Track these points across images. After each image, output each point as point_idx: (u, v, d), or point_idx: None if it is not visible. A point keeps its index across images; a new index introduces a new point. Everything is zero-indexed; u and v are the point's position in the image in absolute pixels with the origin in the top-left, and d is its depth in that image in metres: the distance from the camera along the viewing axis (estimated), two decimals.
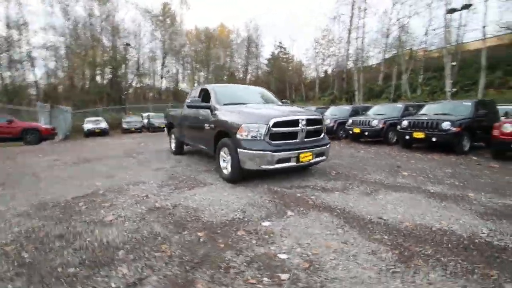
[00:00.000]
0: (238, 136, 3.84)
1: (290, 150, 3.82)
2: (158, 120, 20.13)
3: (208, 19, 65.98)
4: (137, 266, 1.90)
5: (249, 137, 3.77)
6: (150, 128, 19.76)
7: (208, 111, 4.84)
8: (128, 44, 24.17)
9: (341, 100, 28.32)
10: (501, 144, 5.60)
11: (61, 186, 4.15)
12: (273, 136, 3.80)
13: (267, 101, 5.39)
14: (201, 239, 2.32)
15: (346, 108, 12.26)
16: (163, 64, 36.64)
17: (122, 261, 1.98)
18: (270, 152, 3.67)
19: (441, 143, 6.76)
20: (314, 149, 4.08)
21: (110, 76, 30.94)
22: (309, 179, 4.28)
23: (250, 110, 4.22)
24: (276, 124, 3.78)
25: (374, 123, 8.78)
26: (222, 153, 4.34)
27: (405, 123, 7.54)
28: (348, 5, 27.93)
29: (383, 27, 26.74)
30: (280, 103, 5.43)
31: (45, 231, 2.51)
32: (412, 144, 7.97)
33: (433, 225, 2.55)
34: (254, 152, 3.67)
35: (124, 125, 19.52)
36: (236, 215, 2.84)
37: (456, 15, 19.69)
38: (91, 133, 17.15)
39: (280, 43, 45.52)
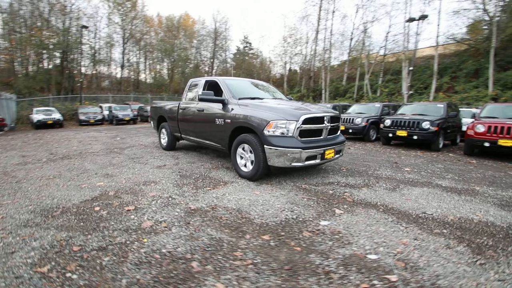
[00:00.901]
0: (265, 132, 3.68)
1: (317, 147, 3.79)
2: (122, 112, 18.56)
3: (173, 7, 62.29)
4: (230, 279, 1.68)
5: (277, 134, 3.64)
6: (114, 120, 18.06)
7: (220, 105, 4.56)
8: (84, 27, 21.41)
9: (308, 98, 29.45)
10: (475, 142, 6.37)
11: (54, 188, 3.52)
12: (301, 133, 3.73)
13: (275, 96, 5.27)
14: (271, 243, 2.16)
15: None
16: (123, 53, 33.64)
17: (205, 274, 1.73)
18: (301, 149, 3.60)
19: (421, 141, 7.43)
20: (335, 146, 4.11)
21: (60, 61, 27.29)
22: (327, 176, 4.32)
23: (274, 105, 4.07)
24: (306, 121, 3.71)
25: (358, 121, 9.27)
26: (240, 149, 4.13)
27: (388, 122, 8.10)
28: (315, 6, 29.01)
29: (347, 31, 28.40)
30: (286, 99, 5.37)
31: (78, 244, 2.09)
32: (391, 142, 8.64)
33: (471, 217, 2.76)
34: (284, 149, 3.55)
35: (82, 117, 17.47)
36: (287, 215, 2.72)
37: (413, 24, 21.69)
38: (42, 125, 15.00)
39: (246, 37, 45.34)
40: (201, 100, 4.56)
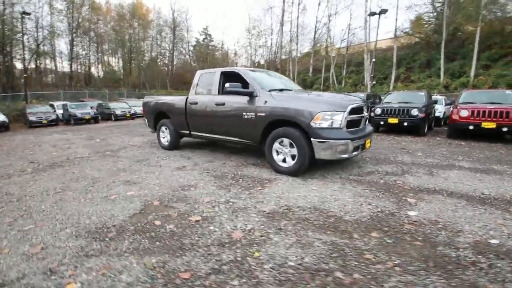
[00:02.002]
0: (312, 124, 3.51)
1: (360, 137, 3.76)
2: (81, 110, 16.54)
3: None
4: (396, 286, 1.52)
5: (325, 126, 3.50)
6: (71, 120, 15.99)
7: (245, 98, 4.24)
8: (26, 13, 18.15)
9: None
10: (460, 126, 7.04)
11: (76, 203, 2.90)
12: (347, 124, 3.64)
13: (291, 87, 5.09)
14: (387, 240, 2.04)
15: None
16: (72, 44, 29.80)
17: (364, 284, 1.55)
18: (349, 141, 3.52)
19: (410, 127, 7.99)
20: (371, 136, 4.14)
21: None
22: (358, 166, 4.34)
23: (314, 97, 3.92)
24: (351, 111, 3.63)
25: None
26: (277, 144, 3.91)
27: (378, 110, 8.52)
28: None
29: (311, 23, 29.20)
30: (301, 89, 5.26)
31: (182, 270, 1.71)
32: (379, 129, 9.12)
33: None
34: (334, 141, 3.44)
35: (31, 117, 15.09)
36: (369, 208, 2.62)
37: (373, 18, 23.11)
38: None
39: (205, 29, 43.64)
40: (229, 92, 4.18)
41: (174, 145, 5.84)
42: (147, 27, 41.02)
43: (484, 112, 6.64)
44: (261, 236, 2.12)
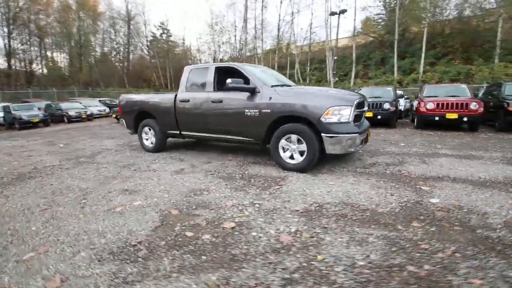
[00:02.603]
0: (322, 120, 3.50)
1: (364, 131, 3.87)
2: (27, 112, 14.49)
3: None
4: (468, 273, 1.56)
5: (335, 121, 3.52)
6: (16, 123, 13.91)
7: (247, 94, 4.07)
8: None
9: None
10: (427, 117, 7.74)
11: (76, 221, 2.47)
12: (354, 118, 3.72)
13: (287, 82, 5.04)
14: (430, 228, 2.10)
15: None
16: (9, 38, 25.81)
17: (435, 275, 1.56)
18: (358, 135, 3.60)
19: (383, 120, 8.56)
20: (369, 129, 4.29)
21: None
22: (358, 159, 4.49)
23: (319, 92, 3.90)
24: (357, 106, 3.71)
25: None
26: (283, 141, 3.84)
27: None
28: None
29: (274, 21, 29.56)
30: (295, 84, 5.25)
31: (251, 284, 1.54)
32: None
33: (509, 175, 3.37)
34: (344, 135, 3.48)
35: None
36: (395, 199, 2.70)
37: (333, 17, 24.25)
38: None
39: (163, 24, 41.20)
40: (231, 89, 3.95)
41: (160, 147, 5.40)
42: (97, 19, 37.46)
43: (447, 104, 7.39)
44: (311, 237, 2.03)
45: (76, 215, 2.60)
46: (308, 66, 28.17)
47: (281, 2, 29.37)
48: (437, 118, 7.52)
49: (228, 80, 3.91)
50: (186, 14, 56.37)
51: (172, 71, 34.00)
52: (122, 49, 41.20)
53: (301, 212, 2.47)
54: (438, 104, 7.52)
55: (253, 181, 3.44)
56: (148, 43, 40.89)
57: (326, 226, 2.20)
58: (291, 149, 3.83)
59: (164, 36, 40.96)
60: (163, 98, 5.12)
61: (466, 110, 7.20)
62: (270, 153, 4.06)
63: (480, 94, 9.53)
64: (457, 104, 7.29)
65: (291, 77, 28.65)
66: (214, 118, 4.43)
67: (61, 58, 35.78)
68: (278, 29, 29.88)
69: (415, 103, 9.68)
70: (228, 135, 4.41)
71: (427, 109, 7.70)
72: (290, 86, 4.45)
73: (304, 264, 1.70)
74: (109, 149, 6.06)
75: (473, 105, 7.16)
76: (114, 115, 15.63)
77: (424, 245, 1.88)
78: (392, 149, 5.17)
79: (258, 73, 4.27)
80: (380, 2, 26.33)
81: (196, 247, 1.96)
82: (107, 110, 20.00)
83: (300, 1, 37.60)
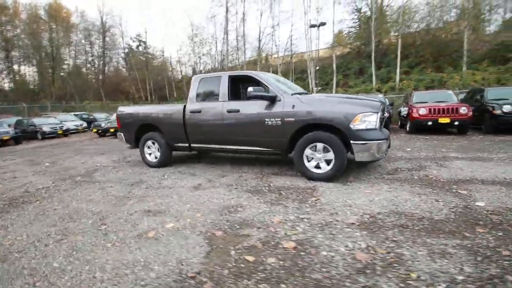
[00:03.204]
0: (351, 127, 3.43)
1: (388, 137, 3.84)
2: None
3: None
4: None
5: (363, 127, 3.45)
6: None
7: (265, 103, 3.92)
8: None
9: None
10: (420, 122, 8.05)
11: (105, 250, 2.12)
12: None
13: (301, 90, 4.93)
14: (498, 233, 2.04)
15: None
16: None
17: None
18: (385, 141, 3.56)
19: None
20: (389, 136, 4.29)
21: None
22: (378, 165, 4.46)
23: (343, 99, 3.83)
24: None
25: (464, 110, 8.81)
26: (308, 150, 3.70)
27: None
28: (222, 6, 29.27)
29: (256, 33, 30.11)
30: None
31: None
32: None
33: None
34: (374, 142, 3.42)
35: None
36: (445, 206, 2.63)
37: (312, 29, 25.16)
38: None
39: (138, 35, 40.13)
40: (254, 97, 3.77)
41: (165, 162, 5.04)
42: (70, 30, 35.87)
43: (439, 109, 7.74)
44: (388, 253, 1.87)
45: (102, 244, 2.24)
46: (290, 76, 28.75)
47: (261, 15, 30.07)
48: (430, 123, 7.84)
49: (250, 89, 3.74)
50: (166, 26, 55.67)
51: (152, 83, 33.13)
52: (97, 62, 39.67)
53: (358, 225, 2.31)
54: (430, 110, 7.86)
55: (284, 194, 3.24)
56: (125, 56, 39.73)
57: (394, 239, 2.05)
58: (316, 158, 3.70)
59: (140, 48, 40.02)
60: (170, 109, 4.81)
61: (457, 115, 7.57)
62: (286, 163, 3.90)
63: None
64: (448, 109, 7.66)
65: None
66: (230, 129, 4.20)
67: (30, 72, 33.57)
68: (259, 41, 30.41)
69: (403, 109, 10.12)
70: (246, 146, 4.20)
71: (420, 114, 8.01)
72: (308, 93, 4.37)
73: (402, 285, 1.53)
74: (105, 166, 5.57)
75: (462, 110, 7.56)
76: (94, 130, 14.74)
77: (504, 252, 1.79)
78: (402, 155, 5.22)
79: (274, 81, 4.15)
80: (355, 15, 27.89)
81: (267, 274, 1.72)
82: (84, 125, 18.91)
83: (280, 13, 39.01)
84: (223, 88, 4.32)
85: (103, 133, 14.63)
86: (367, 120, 3.46)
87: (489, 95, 8.15)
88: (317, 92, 23.05)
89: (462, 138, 7.07)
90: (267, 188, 3.52)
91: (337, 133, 3.55)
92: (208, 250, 2.04)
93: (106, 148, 8.94)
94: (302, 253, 1.93)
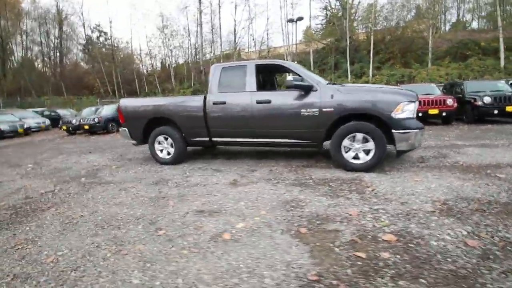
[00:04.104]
0: (393, 116, 3.43)
1: (423, 127, 3.90)
2: None
3: None
4: None
5: (404, 116, 3.48)
6: None
7: (297, 93, 3.77)
8: None
9: (203, 93, 28.72)
10: None
11: (184, 259, 1.83)
12: None
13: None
14: None
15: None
16: None
17: None
18: (423, 129, 3.62)
19: None
20: None
21: None
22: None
23: (379, 88, 3.82)
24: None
25: None
26: (346, 140, 3.65)
27: None
28: None
29: (231, 26, 29.49)
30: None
31: None
32: None
33: None
34: (415, 131, 3.46)
35: None
36: (494, 190, 2.73)
37: (288, 23, 25.31)
38: None
39: (98, 25, 36.68)
40: (293, 87, 3.59)
41: (180, 158, 4.66)
42: (20, 18, 31.82)
43: (429, 101, 8.24)
44: (492, 237, 1.87)
45: (176, 252, 1.94)
46: None
47: (235, 8, 29.46)
48: (420, 114, 8.29)
49: (289, 78, 3.56)
50: (132, 15, 51.96)
51: (120, 77, 30.87)
52: (53, 53, 35.78)
53: (439, 213, 2.29)
54: (420, 102, 8.31)
55: (334, 186, 3.14)
56: (84, 47, 36.21)
57: (485, 223, 2.06)
58: (355, 148, 3.65)
59: (101, 39, 36.77)
60: (187, 101, 4.43)
61: (444, 106, 8.13)
62: (309, 155, 3.82)
63: None
64: (436, 100, 8.19)
65: None
66: (261, 121, 3.98)
67: None
68: (235, 34, 29.86)
69: None
70: (277, 138, 4.02)
71: None
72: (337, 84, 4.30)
73: None
74: (107, 166, 4.99)
75: (449, 101, 8.13)
76: (64, 128, 13.29)
77: None
78: None
79: (306, 71, 4.01)
80: (327, 11, 28.65)
81: (395, 269, 1.60)
82: (48, 122, 17.02)
83: (255, 7, 38.86)
84: (251, 78, 4.07)
85: (73, 130, 13.28)
86: (407, 109, 3.49)
87: (468, 88, 8.87)
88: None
89: (450, 128, 7.61)
90: (310, 181, 3.39)
91: (375, 123, 3.54)
92: (308, 249, 1.87)
93: (89, 146, 8.09)
94: (410, 245, 1.85)
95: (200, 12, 27.95)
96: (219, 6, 27.11)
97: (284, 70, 3.98)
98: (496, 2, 19.09)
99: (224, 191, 3.19)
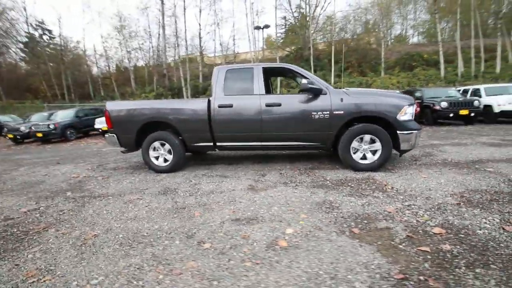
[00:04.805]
0: (398, 118, 3.68)
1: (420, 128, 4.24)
2: None
3: None
4: None
5: (406, 118, 3.75)
6: None
7: (307, 96, 3.83)
8: None
9: (168, 97, 27.51)
10: None
11: (253, 274, 1.68)
12: None
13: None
14: None
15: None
16: None
17: None
18: (421, 130, 3.93)
19: None
20: None
21: None
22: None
23: (380, 92, 4.04)
24: None
25: None
26: (355, 142, 3.80)
27: None
28: None
29: (195, 29, 28.88)
30: None
31: None
32: None
33: (495, 156, 4.43)
34: (416, 132, 3.75)
35: None
36: (506, 184, 3.09)
37: (253, 30, 25.73)
38: None
39: (42, 22, 32.81)
40: (307, 90, 3.60)
41: (179, 165, 4.35)
42: None
43: None
44: None
45: (239, 265, 1.78)
46: None
47: (200, 11, 29.01)
48: None
49: (304, 81, 3.58)
50: (87, 14, 47.41)
51: (70, 79, 27.93)
52: None
53: (464, 205, 2.50)
54: None
55: (354, 186, 3.23)
56: (27, 45, 32.01)
57: (506, 211, 2.31)
58: (362, 149, 3.83)
59: (45, 37, 32.85)
60: (189, 103, 4.16)
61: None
62: (309, 157, 3.93)
63: None
64: None
65: None
66: (270, 124, 3.93)
67: None
68: (200, 38, 29.33)
69: None
70: (286, 141, 4.00)
71: None
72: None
73: None
74: (90, 177, 4.42)
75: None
76: (10, 136, 11.49)
77: None
78: None
79: (313, 75, 4.09)
80: (286, 21, 29.91)
81: (465, 259, 1.68)
82: None
83: (221, 12, 38.85)
84: (258, 81, 4.01)
85: (22, 139, 11.58)
86: (408, 111, 3.78)
87: (426, 94, 10.00)
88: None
89: (442, 128, 8.44)
90: (327, 182, 3.44)
91: (381, 125, 3.76)
92: (375, 249, 1.87)
93: (52, 156, 7.10)
94: (461, 235, 1.97)
95: (163, 14, 26.87)
96: (184, 9, 26.36)
97: (291, 74, 4.00)
98: (436, 20, 21.99)
99: (246, 197, 3.05)
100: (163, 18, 27.47)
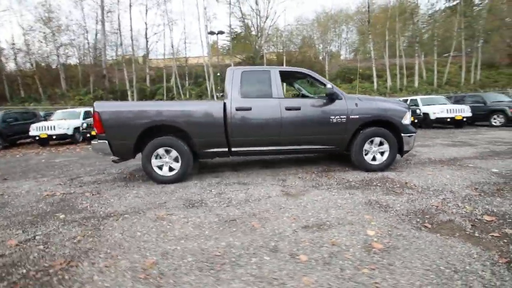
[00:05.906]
0: (403, 122, 4.08)
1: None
2: None
3: None
4: None
5: (407, 122, 4.19)
6: None
7: (323, 100, 3.96)
8: None
9: (110, 100, 24.68)
10: None
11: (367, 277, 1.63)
12: None
13: None
14: None
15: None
16: None
17: None
18: (416, 133, 4.43)
19: None
20: None
21: None
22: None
23: (387, 99, 4.43)
24: None
25: None
26: (367, 144, 4.07)
27: None
28: None
29: (142, 29, 26.79)
30: None
31: None
32: None
33: (464, 154, 5.36)
34: (414, 134, 4.21)
35: None
36: (496, 176, 3.69)
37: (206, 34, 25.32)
38: None
39: None
40: (333, 94, 3.67)
41: (186, 174, 3.93)
42: None
43: None
44: None
45: (356, 274, 1.68)
46: (186, 80, 27.59)
47: (146, 10, 27.15)
48: None
49: (329, 85, 3.66)
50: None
51: None
52: None
53: (483, 195, 2.91)
54: None
55: (379, 185, 3.43)
56: None
57: None
58: (372, 151, 4.11)
59: None
60: (202, 106, 3.80)
61: None
62: (314, 160, 4.13)
63: None
64: None
65: (169, 91, 26.89)
66: (290, 128, 3.89)
67: None
68: (146, 39, 27.36)
69: None
70: (304, 145, 4.01)
71: None
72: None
73: None
74: (73, 193, 3.62)
75: None
76: None
77: None
78: None
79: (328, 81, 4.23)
80: (231, 29, 30.45)
81: None
82: None
83: (170, 13, 36.90)
84: (276, 84, 3.94)
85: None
86: (408, 116, 4.23)
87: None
88: (218, 98, 23.48)
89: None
90: (353, 183, 3.57)
91: (387, 128, 4.12)
92: (461, 240, 2.01)
93: (5, 167, 5.56)
94: (510, 220, 2.28)
95: (102, 8, 24.16)
96: (130, 7, 24.24)
97: (306, 78, 4.07)
98: (369, 41, 25.40)
99: (290, 203, 2.93)
100: (102, 12, 24.70)
